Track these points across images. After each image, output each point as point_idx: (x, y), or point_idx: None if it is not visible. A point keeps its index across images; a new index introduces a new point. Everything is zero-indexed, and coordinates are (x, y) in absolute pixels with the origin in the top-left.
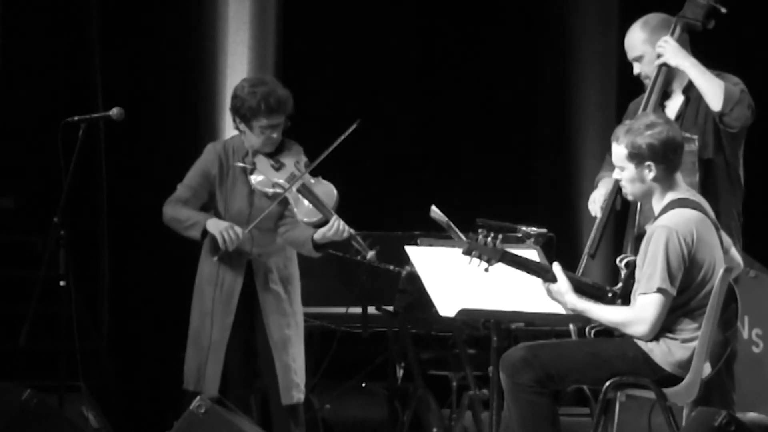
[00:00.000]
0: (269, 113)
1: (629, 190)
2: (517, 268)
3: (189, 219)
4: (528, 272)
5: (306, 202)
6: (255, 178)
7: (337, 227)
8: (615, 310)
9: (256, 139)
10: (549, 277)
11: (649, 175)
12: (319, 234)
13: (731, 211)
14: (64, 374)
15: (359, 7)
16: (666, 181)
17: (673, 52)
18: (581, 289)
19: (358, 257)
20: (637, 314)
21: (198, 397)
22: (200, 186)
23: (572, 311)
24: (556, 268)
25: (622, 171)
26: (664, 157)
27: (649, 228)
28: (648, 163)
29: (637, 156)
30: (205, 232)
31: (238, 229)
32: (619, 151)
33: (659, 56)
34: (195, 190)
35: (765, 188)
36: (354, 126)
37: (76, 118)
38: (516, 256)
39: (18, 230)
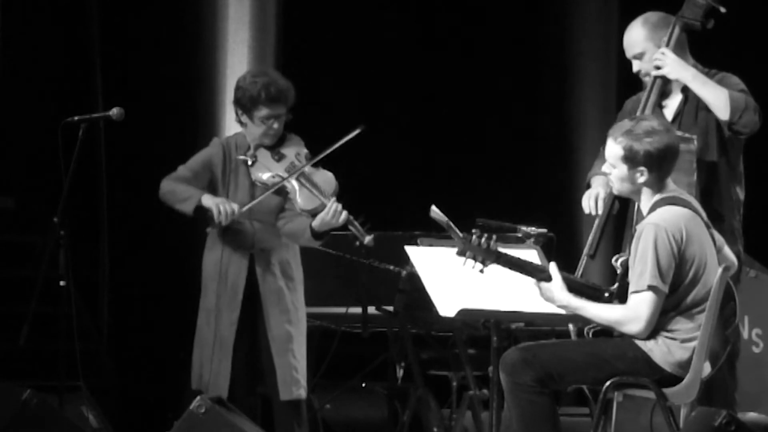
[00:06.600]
0: (270, 102)
1: (617, 187)
2: (511, 269)
3: (185, 192)
4: (523, 273)
5: (305, 190)
6: (256, 170)
7: (334, 210)
8: (609, 308)
9: (257, 130)
10: (544, 278)
11: (640, 179)
12: (318, 220)
13: (734, 212)
14: (64, 374)
15: (359, 8)
16: (656, 185)
17: (673, 65)
18: (577, 289)
19: (356, 242)
20: (631, 312)
21: (198, 397)
22: (202, 171)
23: (564, 310)
24: (553, 267)
25: (614, 168)
26: (659, 165)
27: (638, 226)
28: (641, 168)
29: (631, 160)
30: (197, 209)
31: (235, 206)
32: (614, 149)
33: (657, 68)
34: (196, 173)
35: (765, 188)
36: (357, 131)
37: (76, 118)
38: (511, 257)
39: (18, 230)
